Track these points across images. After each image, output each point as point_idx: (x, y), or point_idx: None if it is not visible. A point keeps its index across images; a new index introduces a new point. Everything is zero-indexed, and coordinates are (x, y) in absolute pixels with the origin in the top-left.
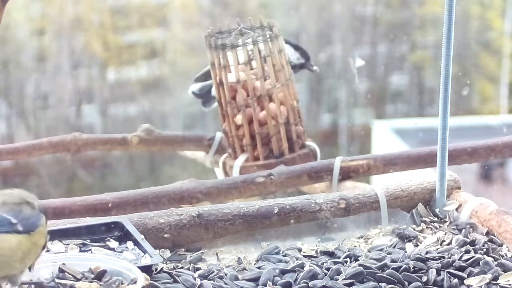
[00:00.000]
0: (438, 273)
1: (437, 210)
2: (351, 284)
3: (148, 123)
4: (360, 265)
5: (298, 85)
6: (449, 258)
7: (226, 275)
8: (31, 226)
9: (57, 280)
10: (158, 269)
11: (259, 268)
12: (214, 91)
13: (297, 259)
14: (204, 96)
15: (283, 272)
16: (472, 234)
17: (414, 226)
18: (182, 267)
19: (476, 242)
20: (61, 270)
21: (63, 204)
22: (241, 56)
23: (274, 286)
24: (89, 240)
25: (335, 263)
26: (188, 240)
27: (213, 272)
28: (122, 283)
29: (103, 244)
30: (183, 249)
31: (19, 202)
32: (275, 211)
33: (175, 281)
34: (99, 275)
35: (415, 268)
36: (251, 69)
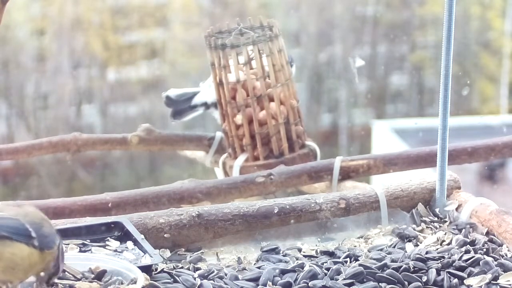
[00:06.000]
0: (438, 273)
1: (437, 210)
2: (351, 284)
3: (148, 123)
4: (360, 265)
5: (298, 85)
6: (449, 258)
7: (226, 275)
8: (47, 244)
9: (57, 280)
10: (158, 269)
11: (259, 268)
12: (195, 101)
13: (297, 259)
14: (179, 105)
15: (283, 272)
16: (472, 234)
17: (414, 226)
18: (182, 267)
19: (476, 242)
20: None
21: (63, 204)
22: (241, 56)
23: (274, 286)
24: (89, 240)
25: (335, 263)
26: (188, 240)
27: (213, 272)
28: (122, 283)
29: (103, 244)
30: (183, 249)
31: (41, 218)
32: (275, 211)
33: (175, 281)
34: (99, 275)
35: (415, 268)
36: (251, 68)
